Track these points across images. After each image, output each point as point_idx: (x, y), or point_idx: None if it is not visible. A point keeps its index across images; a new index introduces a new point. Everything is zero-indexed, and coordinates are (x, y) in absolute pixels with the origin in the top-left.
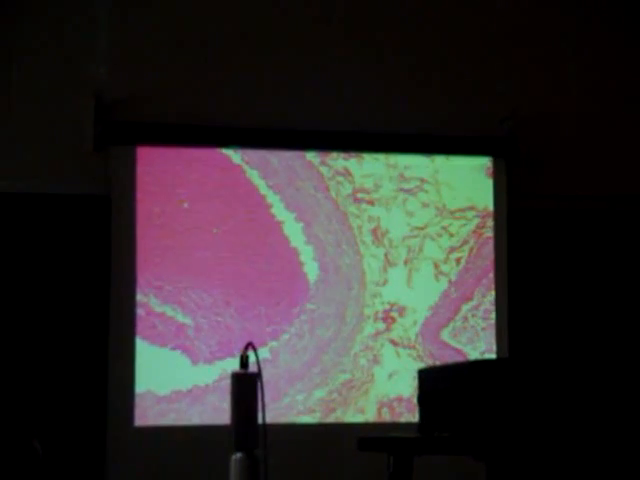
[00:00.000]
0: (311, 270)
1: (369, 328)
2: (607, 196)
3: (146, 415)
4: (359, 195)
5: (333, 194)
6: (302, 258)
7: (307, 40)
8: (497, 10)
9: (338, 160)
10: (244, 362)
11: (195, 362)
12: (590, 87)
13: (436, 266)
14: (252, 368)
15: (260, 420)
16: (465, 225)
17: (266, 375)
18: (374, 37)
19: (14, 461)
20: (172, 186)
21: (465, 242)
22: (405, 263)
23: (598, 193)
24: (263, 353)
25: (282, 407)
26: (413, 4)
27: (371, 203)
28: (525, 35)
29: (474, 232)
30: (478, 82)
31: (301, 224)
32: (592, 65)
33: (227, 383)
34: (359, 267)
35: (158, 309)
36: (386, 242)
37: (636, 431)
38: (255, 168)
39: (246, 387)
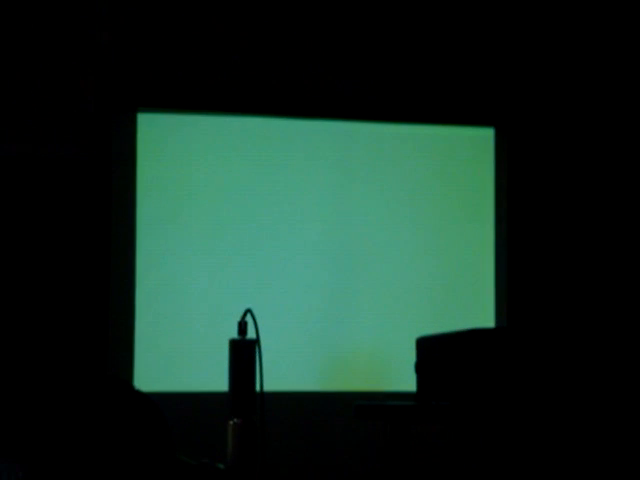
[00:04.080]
0: (312, 238)
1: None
2: (607, 171)
3: (144, 382)
4: (363, 163)
5: (337, 163)
6: (304, 225)
7: (309, 6)
8: None
9: (344, 127)
10: (242, 329)
11: (194, 328)
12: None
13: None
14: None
15: (258, 387)
16: (465, 195)
17: (265, 342)
18: (373, 14)
19: None
20: (174, 152)
21: (465, 212)
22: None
23: (599, 163)
24: (262, 320)
25: (280, 374)
26: None
27: (374, 172)
28: (529, 2)
29: (475, 203)
30: (480, 52)
31: (305, 192)
32: (592, 40)
33: (225, 350)
34: (366, 239)
35: (158, 275)
36: None
37: (636, 406)
38: (260, 135)
39: (244, 354)
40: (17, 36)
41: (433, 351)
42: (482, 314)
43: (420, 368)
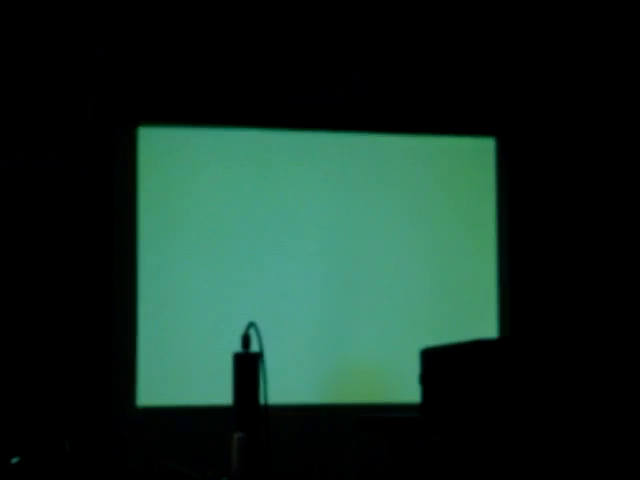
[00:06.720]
0: (314, 249)
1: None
2: (606, 181)
3: (148, 396)
4: (364, 175)
5: (338, 174)
6: (306, 237)
7: (310, 18)
8: None
9: (345, 138)
10: (246, 342)
11: (197, 342)
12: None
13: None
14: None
15: (262, 400)
16: (467, 206)
17: (268, 355)
18: (372, 20)
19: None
20: (175, 165)
21: (467, 222)
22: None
23: (600, 171)
24: (265, 332)
25: (283, 387)
26: None
27: (375, 183)
28: (530, 13)
29: (476, 213)
30: (480, 63)
31: (307, 204)
32: (592, 43)
33: (229, 363)
34: (368, 250)
35: (160, 289)
36: None
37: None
38: (261, 147)
39: (248, 367)
40: (16, 51)
41: (438, 362)
42: (485, 324)
43: (425, 379)
